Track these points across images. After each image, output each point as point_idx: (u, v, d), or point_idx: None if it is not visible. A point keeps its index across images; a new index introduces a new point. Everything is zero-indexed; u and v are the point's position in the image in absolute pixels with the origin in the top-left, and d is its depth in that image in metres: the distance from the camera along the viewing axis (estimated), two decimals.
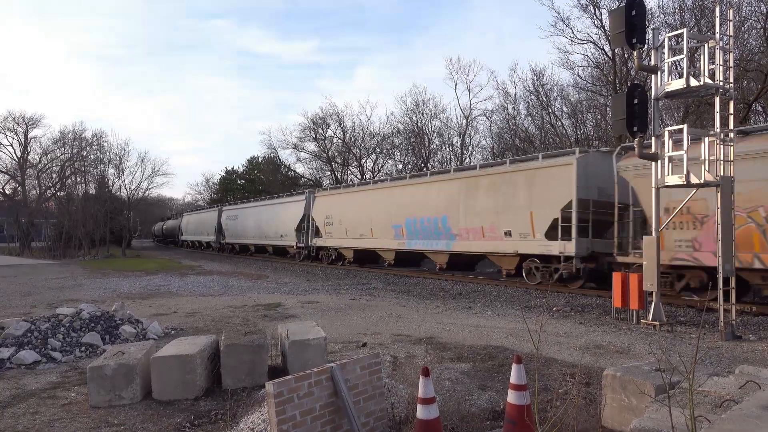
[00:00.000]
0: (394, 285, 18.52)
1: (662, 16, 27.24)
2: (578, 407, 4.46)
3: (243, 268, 27.68)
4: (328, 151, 51.05)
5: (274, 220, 33.75)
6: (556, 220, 15.68)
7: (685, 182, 9.35)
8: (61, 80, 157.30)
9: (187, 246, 58.03)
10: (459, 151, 43.30)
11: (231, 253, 43.59)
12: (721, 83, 9.39)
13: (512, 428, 4.24)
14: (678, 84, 9.57)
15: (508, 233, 17.28)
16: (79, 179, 46.52)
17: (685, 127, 9.43)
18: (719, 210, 9.20)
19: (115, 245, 46.66)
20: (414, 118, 46.26)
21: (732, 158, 9.46)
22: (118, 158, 46.67)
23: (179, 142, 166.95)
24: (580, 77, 32.53)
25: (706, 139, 9.50)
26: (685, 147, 9.25)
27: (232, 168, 75.53)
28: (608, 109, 28.82)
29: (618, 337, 9.19)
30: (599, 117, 33.01)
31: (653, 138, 10.05)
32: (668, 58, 9.75)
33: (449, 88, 72.80)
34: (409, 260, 24.46)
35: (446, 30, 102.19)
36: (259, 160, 67.30)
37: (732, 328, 9.10)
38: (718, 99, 9.47)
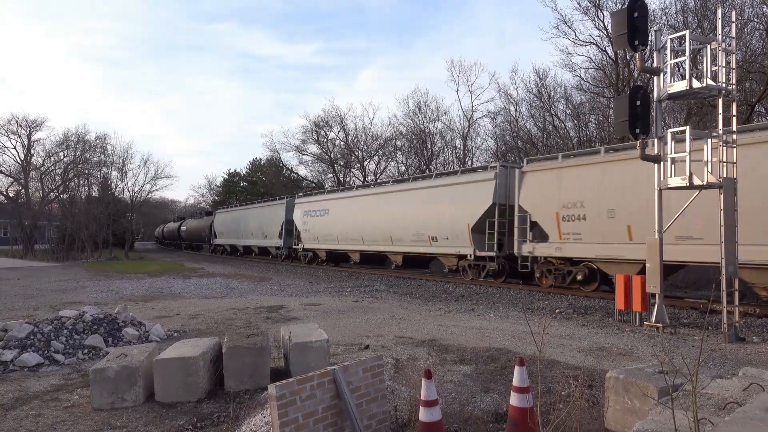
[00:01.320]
0: (396, 287, 18.51)
1: (664, 18, 27.23)
2: (581, 410, 4.45)
3: (245, 271, 27.69)
4: (331, 153, 51.10)
5: (418, 214, 21.00)
6: None
7: (688, 184, 9.33)
8: (62, 82, 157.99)
9: (224, 252, 45.88)
10: (462, 153, 43.31)
11: (311, 263, 30.28)
12: (724, 85, 9.38)
13: (515, 430, 4.24)
14: (680, 86, 9.56)
15: None
16: (82, 182, 46.67)
17: (687, 128, 9.42)
18: (722, 212, 9.18)
19: (118, 248, 46.72)
20: (416, 120, 46.30)
21: (735, 160, 9.45)
22: (121, 161, 46.89)
23: (181, 144, 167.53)
24: (582, 79, 32.54)
25: (709, 140, 9.48)
26: (687, 149, 9.24)
27: (235, 170, 75.72)
28: (611, 110, 28.80)
29: (621, 339, 9.16)
30: (602, 119, 32.99)
31: (656, 140, 10.04)
32: (671, 59, 9.74)
33: (451, 90, 73.15)
34: None
35: (448, 32, 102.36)
36: (262, 162, 67.39)
37: (735, 330, 9.07)
38: (720, 100, 9.45)
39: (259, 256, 38.90)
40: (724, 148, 9.40)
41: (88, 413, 5.67)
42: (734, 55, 9.77)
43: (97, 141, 47.80)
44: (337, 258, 29.18)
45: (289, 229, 32.17)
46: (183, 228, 58.52)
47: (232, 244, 43.29)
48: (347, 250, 26.84)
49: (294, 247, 31.75)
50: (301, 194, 33.91)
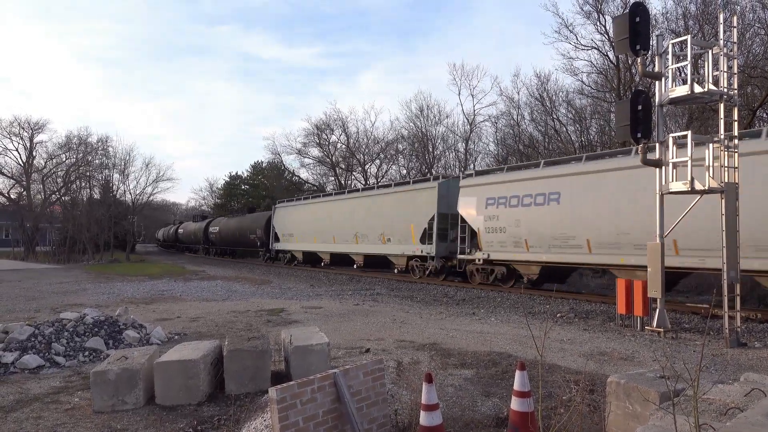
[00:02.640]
0: (397, 291, 18.50)
1: (666, 23, 27.27)
2: (582, 414, 4.44)
3: (247, 273, 27.70)
4: (332, 156, 51.15)
5: None
6: None
7: (690, 189, 9.33)
8: (63, 83, 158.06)
9: (291, 262, 33.30)
10: (464, 156, 43.34)
11: (502, 283, 18.17)
12: (726, 89, 9.39)
13: None
14: (682, 90, 9.56)
15: None
16: (83, 184, 46.80)
17: (689, 133, 9.42)
18: (724, 217, 9.17)
19: (119, 250, 46.76)
20: (418, 123, 46.36)
21: (736, 164, 9.44)
22: (122, 163, 46.99)
23: (182, 146, 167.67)
24: (583, 83, 32.58)
25: (711, 145, 9.48)
26: (689, 153, 9.24)
27: (236, 173, 75.72)
28: (612, 115, 28.83)
29: (622, 343, 9.15)
30: (603, 123, 33.03)
31: (657, 144, 10.04)
32: (672, 64, 9.75)
33: (453, 94, 73.11)
34: None
35: (450, 35, 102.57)
36: (263, 165, 67.44)
37: (737, 335, 9.05)
38: (722, 105, 9.46)
39: (367, 268, 26.05)
40: (726, 152, 9.40)
41: (89, 416, 5.67)
42: (736, 60, 9.78)
43: (99, 143, 48.01)
44: (561, 274, 17.73)
45: (443, 228, 20.48)
46: (213, 229, 46.80)
47: (311, 251, 30.30)
48: (619, 265, 14.19)
49: (462, 256, 19.14)
50: (471, 172, 20.77)
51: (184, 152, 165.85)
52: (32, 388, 6.71)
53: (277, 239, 34.05)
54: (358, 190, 28.51)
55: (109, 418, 5.56)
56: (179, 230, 60.20)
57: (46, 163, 48.25)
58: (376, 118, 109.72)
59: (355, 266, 26.82)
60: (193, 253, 56.12)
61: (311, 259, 31.04)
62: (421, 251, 21.33)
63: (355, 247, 25.86)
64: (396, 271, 23.79)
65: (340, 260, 28.18)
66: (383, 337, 9.70)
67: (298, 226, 31.31)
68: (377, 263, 25.39)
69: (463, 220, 19.15)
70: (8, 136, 46.47)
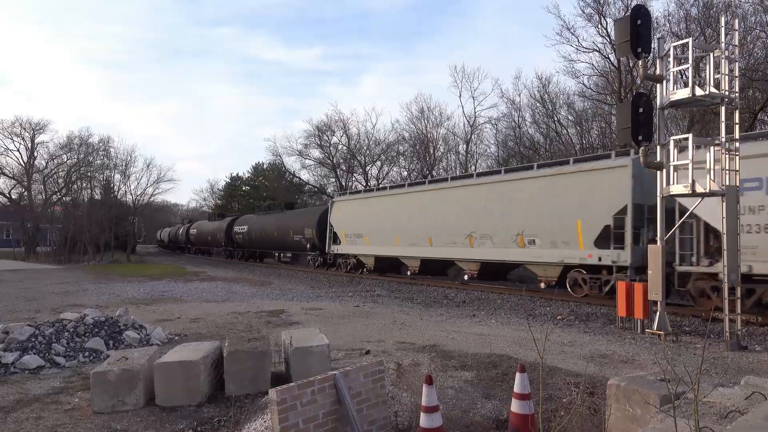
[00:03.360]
0: (397, 292, 18.49)
1: (667, 26, 27.32)
2: (582, 417, 4.44)
3: (247, 275, 27.69)
4: (333, 158, 51.14)
5: None
6: None
7: (691, 191, 9.33)
8: (66, 85, 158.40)
9: (357, 269, 25.88)
10: (464, 158, 43.34)
11: None
12: (727, 92, 9.38)
13: None
14: (683, 93, 9.56)
15: None
16: (84, 184, 46.88)
17: (690, 136, 9.42)
18: (724, 219, 9.16)
19: (120, 250, 46.72)
20: (419, 125, 46.37)
21: (737, 167, 9.43)
22: (124, 164, 47.02)
23: (184, 148, 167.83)
24: (585, 86, 32.60)
25: (712, 148, 9.48)
26: (690, 156, 9.23)
27: (237, 174, 75.69)
28: (613, 117, 28.85)
29: (622, 346, 9.13)
30: (604, 125, 33.04)
31: (658, 147, 10.04)
32: (673, 67, 9.74)
33: (454, 96, 73.07)
34: None
35: (451, 38, 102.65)
36: (264, 166, 67.37)
37: (737, 338, 9.03)
38: (723, 108, 9.46)
39: (480, 280, 19.39)
40: (727, 155, 9.40)
41: (89, 416, 5.67)
42: (737, 63, 9.77)
43: (101, 144, 48.10)
44: None
45: (636, 226, 14.14)
46: (239, 229, 39.71)
47: (390, 256, 23.38)
48: None
49: (686, 268, 12.09)
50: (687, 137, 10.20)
51: (186, 154, 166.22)
52: (32, 388, 6.71)
53: (335, 241, 26.85)
54: (471, 176, 20.83)
55: (109, 419, 5.56)
56: (191, 230, 53.13)
57: (47, 163, 48.39)
58: (377, 120, 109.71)
59: (465, 277, 19.67)
60: (208, 256, 50.06)
61: (387, 265, 24.10)
62: (599, 258, 14.69)
63: (468, 252, 18.97)
64: (543, 286, 16.70)
65: (437, 268, 21.68)
66: (383, 338, 9.69)
67: (371, 224, 24.10)
68: (495, 274, 19.41)
69: (686, 213, 11.33)
70: (9, 136, 46.62)
